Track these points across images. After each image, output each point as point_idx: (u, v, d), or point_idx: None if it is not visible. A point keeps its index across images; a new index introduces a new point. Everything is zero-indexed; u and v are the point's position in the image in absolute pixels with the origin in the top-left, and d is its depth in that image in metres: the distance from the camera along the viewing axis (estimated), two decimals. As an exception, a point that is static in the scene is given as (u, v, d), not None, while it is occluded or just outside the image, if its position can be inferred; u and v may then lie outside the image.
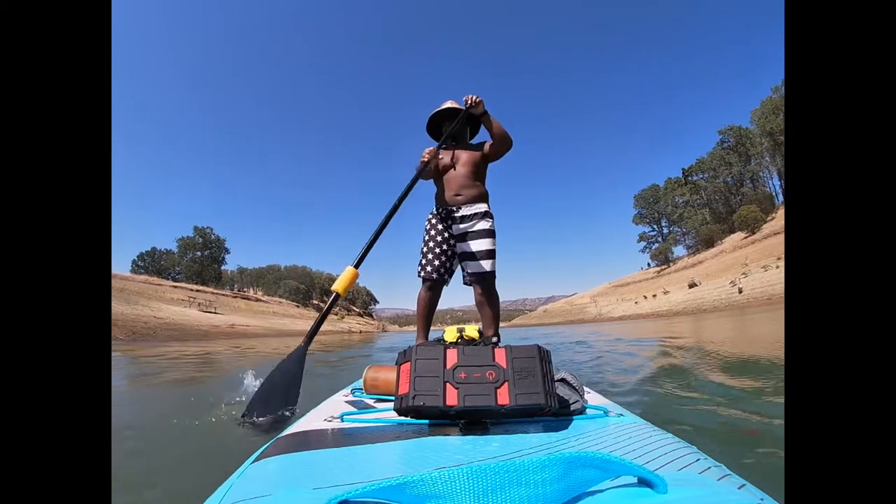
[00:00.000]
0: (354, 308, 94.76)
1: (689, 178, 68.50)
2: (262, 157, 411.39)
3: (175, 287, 49.59)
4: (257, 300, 64.71)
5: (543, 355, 0.89)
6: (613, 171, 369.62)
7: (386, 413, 0.99)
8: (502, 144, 2.24)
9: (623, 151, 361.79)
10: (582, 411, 0.99)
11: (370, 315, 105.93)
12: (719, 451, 1.34)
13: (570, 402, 0.98)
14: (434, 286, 2.27)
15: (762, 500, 0.48)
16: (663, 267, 66.67)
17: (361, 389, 1.30)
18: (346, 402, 1.24)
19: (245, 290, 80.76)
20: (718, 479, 0.59)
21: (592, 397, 1.27)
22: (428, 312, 2.29)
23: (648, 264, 73.74)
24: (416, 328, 2.34)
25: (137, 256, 66.75)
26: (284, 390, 1.61)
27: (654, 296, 47.19)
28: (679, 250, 69.23)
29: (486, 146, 2.29)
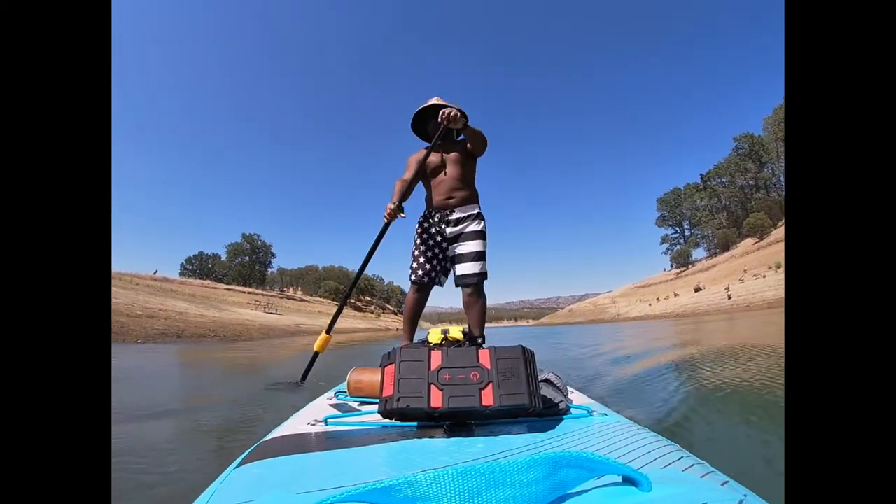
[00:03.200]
0: (389, 306, 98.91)
1: (708, 183, 69.64)
2: (294, 159, 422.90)
3: (229, 290, 50.31)
4: (301, 300, 66.48)
5: (527, 356, 0.88)
6: (654, 171, 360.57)
7: (370, 416, 0.98)
8: (479, 147, 2.24)
9: (667, 149, 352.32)
10: (566, 411, 0.98)
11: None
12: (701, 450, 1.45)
13: (555, 401, 0.97)
14: (423, 289, 2.25)
15: (745, 496, 0.48)
16: (682, 270, 67.98)
17: (345, 392, 1.28)
18: (330, 405, 1.22)
19: (285, 289, 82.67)
20: (702, 477, 0.60)
21: (576, 397, 1.26)
22: (414, 315, 2.28)
23: (671, 265, 75.13)
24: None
25: (186, 260, 68.94)
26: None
27: (667, 298, 49.32)
28: (700, 253, 70.60)
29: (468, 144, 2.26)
